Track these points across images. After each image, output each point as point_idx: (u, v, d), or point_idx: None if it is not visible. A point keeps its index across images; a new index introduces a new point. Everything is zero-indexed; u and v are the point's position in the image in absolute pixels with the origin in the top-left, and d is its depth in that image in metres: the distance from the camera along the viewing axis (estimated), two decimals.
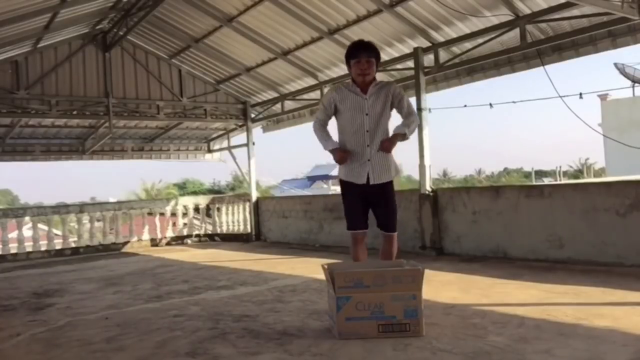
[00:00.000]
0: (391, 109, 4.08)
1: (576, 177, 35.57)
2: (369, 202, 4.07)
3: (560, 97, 6.80)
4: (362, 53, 3.96)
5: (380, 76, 8.88)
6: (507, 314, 3.98)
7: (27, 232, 10.88)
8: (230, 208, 12.36)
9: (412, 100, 7.80)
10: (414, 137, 7.80)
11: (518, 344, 3.24)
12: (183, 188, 45.68)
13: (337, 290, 3.48)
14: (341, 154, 4.02)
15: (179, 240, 11.88)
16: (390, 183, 4.08)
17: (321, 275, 4.04)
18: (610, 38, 6.36)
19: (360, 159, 4.01)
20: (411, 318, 3.45)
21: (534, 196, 6.58)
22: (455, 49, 7.71)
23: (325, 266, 3.78)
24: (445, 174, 52.16)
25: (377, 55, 4.03)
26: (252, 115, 12.02)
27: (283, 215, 10.91)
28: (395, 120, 4.15)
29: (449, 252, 7.43)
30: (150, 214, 11.97)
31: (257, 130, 12.52)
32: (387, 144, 3.98)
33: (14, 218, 10.36)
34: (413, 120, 4.09)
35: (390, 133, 4.07)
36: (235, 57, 10.35)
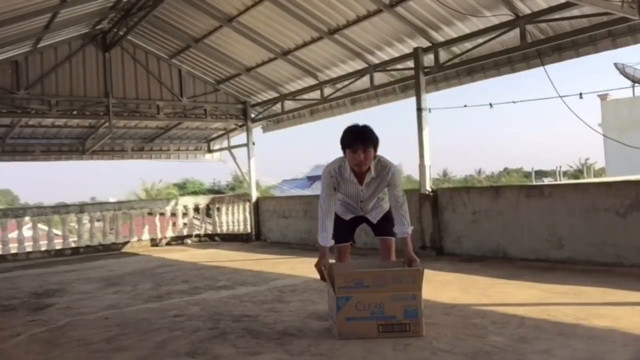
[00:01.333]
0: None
1: (576, 177, 35.54)
2: (361, 222, 4.04)
3: (560, 97, 6.79)
4: (358, 144, 3.59)
5: (380, 76, 8.97)
6: (507, 314, 3.98)
7: (27, 232, 10.88)
8: (230, 208, 12.36)
9: (412, 100, 7.86)
10: (414, 137, 7.84)
11: (518, 344, 3.24)
12: (183, 188, 45.64)
13: (337, 291, 3.47)
14: (321, 266, 3.72)
15: (179, 240, 11.88)
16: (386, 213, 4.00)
17: None
18: (610, 38, 6.36)
19: (354, 213, 3.99)
20: (411, 318, 3.44)
21: (534, 196, 6.58)
22: (455, 49, 7.71)
23: (326, 266, 3.77)
24: (445, 174, 52.10)
25: (376, 143, 3.67)
26: (252, 115, 12.02)
27: (283, 215, 10.91)
28: None
29: (449, 252, 7.43)
30: (150, 214, 11.97)
31: (257, 130, 12.54)
32: (414, 259, 3.71)
33: (14, 218, 10.35)
34: (406, 210, 3.81)
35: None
36: (235, 57, 10.35)
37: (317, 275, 3.78)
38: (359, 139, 3.61)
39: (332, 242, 3.81)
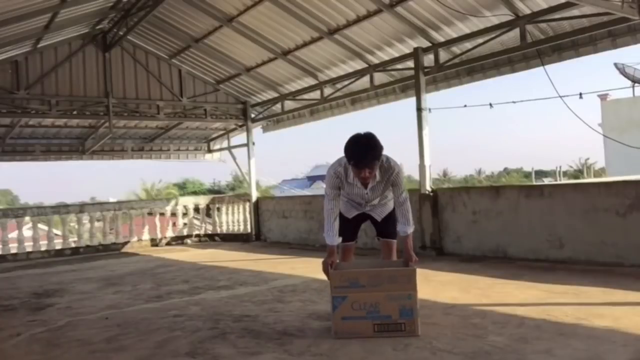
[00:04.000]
0: None
1: (576, 177, 35.54)
2: (365, 220, 4.02)
3: (560, 97, 6.79)
4: (363, 165, 3.51)
5: (380, 76, 8.97)
6: (507, 314, 3.98)
7: (27, 232, 10.88)
8: (230, 208, 12.36)
9: (412, 100, 7.86)
10: (414, 137, 7.84)
11: (518, 344, 3.24)
12: (183, 188, 45.65)
13: (333, 290, 3.49)
14: (327, 264, 3.69)
15: (179, 240, 11.87)
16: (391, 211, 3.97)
17: (321, 276, 4.03)
18: (610, 38, 6.36)
19: (358, 210, 3.96)
20: (407, 318, 3.45)
21: (534, 196, 6.58)
22: (455, 49, 7.71)
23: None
24: (445, 174, 52.12)
25: (380, 156, 3.58)
26: (252, 115, 12.02)
27: (283, 215, 10.91)
28: None
29: (449, 252, 7.42)
30: (150, 214, 11.97)
31: (257, 130, 12.54)
32: (412, 257, 3.72)
33: (14, 218, 10.35)
34: (408, 209, 3.79)
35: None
36: (235, 57, 10.35)
37: (317, 275, 3.78)
38: (363, 161, 3.51)
39: (339, 240, 3.80)
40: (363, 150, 3.52)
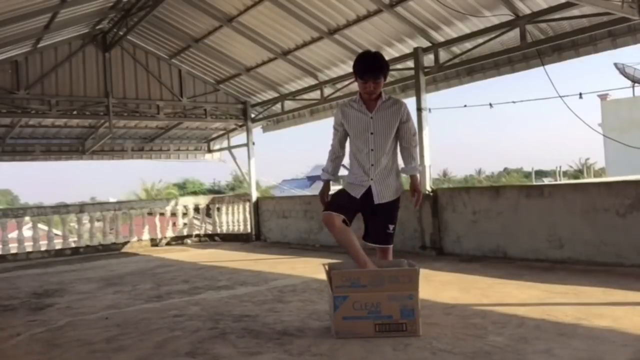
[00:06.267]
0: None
1: (576, 177, 35.58)
2: (363, 211, 3.89)
3: (560, 97, 6.81)
4: (369, 75, 3.69)
5: None
6: (507, 314, 3.98)
7: (27, 232, 10.89)
8: (230, 208, 12.37)
9: (412, 100, 7.86)
10: None
11: (518, 344, 3.24)
12: (183, 188, 45.70)
13: (334, 290, 3.49)
14: (323, 194, 4.04)
15: (179, 240, 11.88)
16: (393, 201, 3.87)
17: (321, 275, 4.06)
18: (610, 38, 6.37)
19: (363, 178, 3.82)
20: (408, 318, 3.45)
21: (534, 196, 6.58)
22: (455, 49, 7.71)
23: (326, 266, 3.78)
24: (445, 174, 52.16)
25: (386, 73, 3.81)
26: (252, 115, 12.03)
27: (283, 215, 10.91)
28: None
29: (449, 252, 7.42)
30: (150, 214, 11.98)
31: (257, 130, 12.55)
32: (419, 198, 3.90)
33: (14, 218, 10.36)
34: (416, 149, 3.96)
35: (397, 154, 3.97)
36: (235, 57, 10.35)
37: (317, 275, 3.78)
38: (369, 71, 3.71)
39: (331, 177, 4.07)
40: (368, 63, 3.74)
